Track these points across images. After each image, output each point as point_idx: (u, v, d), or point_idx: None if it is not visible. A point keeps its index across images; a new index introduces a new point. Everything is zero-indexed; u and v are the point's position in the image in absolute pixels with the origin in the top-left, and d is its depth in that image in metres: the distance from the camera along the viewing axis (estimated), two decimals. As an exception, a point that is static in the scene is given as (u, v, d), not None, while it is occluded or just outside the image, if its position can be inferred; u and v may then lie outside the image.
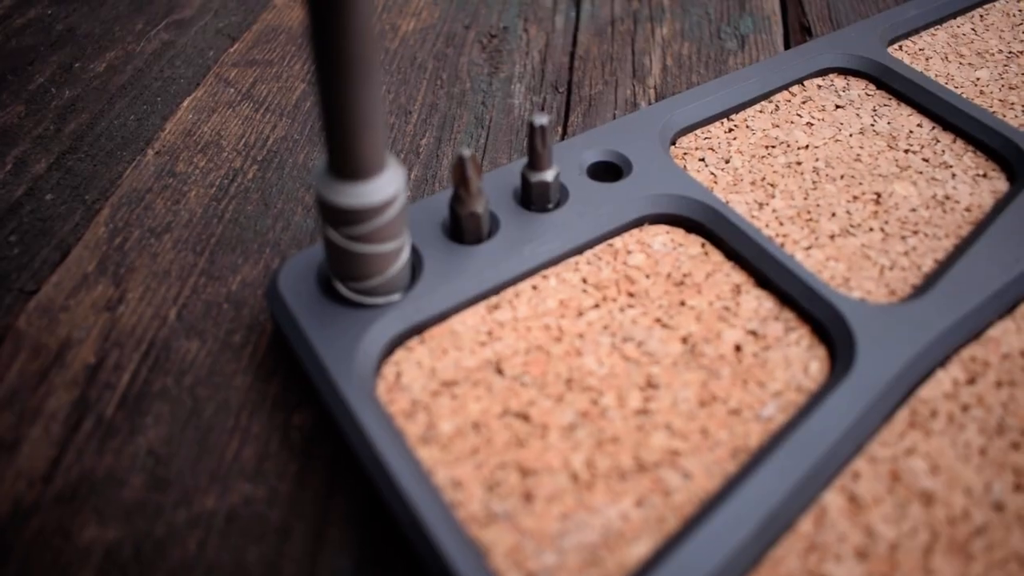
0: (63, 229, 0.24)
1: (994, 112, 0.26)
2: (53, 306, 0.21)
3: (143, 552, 0.17)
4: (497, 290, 0.20)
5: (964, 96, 0.27)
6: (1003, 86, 0.28)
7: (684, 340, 0.19)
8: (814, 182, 0.23)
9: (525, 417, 0.17)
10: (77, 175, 0.25)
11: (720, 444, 0.17)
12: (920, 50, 0.29)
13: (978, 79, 0.28)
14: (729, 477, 0.16)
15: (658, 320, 0.19)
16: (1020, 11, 0.32)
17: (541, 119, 0.20)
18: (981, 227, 0.22)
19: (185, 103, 0.28)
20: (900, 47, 0.29)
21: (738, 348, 0.19)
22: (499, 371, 0.18)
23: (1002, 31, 0.30)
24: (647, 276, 0.20)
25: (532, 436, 0.17)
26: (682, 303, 0.20)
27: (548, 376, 0.18)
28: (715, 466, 0.17)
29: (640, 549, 0.15)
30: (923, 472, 0.17)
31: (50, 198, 0.24)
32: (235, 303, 0.21)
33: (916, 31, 0.30)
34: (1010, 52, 0.29)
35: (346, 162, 0.17)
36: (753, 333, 0.19)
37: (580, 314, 0.20)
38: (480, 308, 0.20)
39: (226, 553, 0.17)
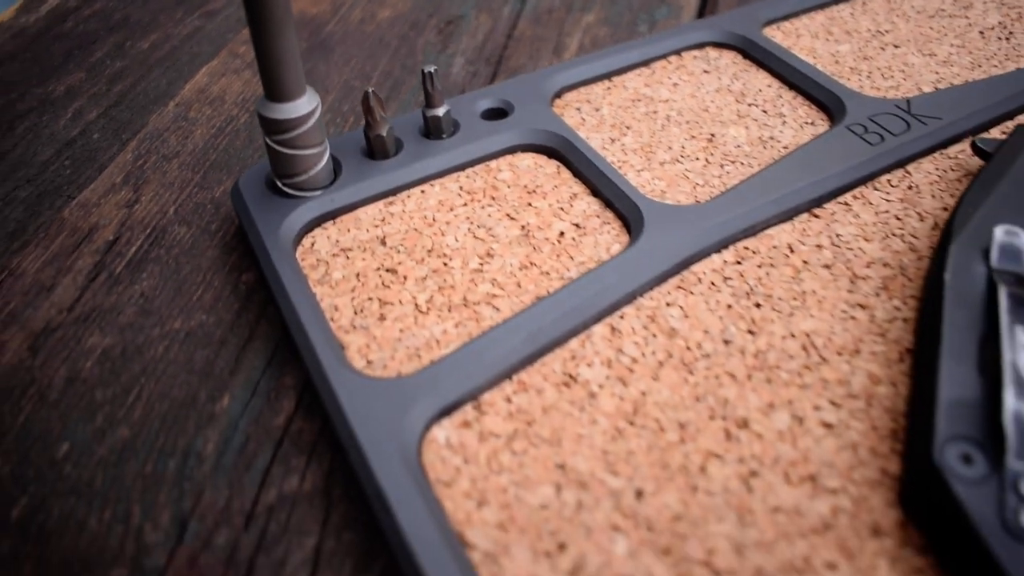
0: (103, 157, 0.32)
1: (839, 77, 0.32)
2: (88, 204, 0.29)
3: (127, 352, 0.24)
4: (394, 192, 0.27)
5: (817, 65, 0.32)
6: (858, 57, 0.33)
7: (523, 228, 0.26)
8: (663, 126, 0.29)
9: (393, 271, 0.24)
10: (118, 121, 0.34)
11: (527, 292, 0.24)
12: (795, 30, 0.35)
13: (837, 52, 0.33)
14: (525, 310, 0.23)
15: (507, 215, 0.26)
16: (901, -1, 0.37)
17: (429, 68, 0.27)
18: (785, 157, 0.28)
19: (203, 70, 0.36)
20: (778, 27, 0.35)
21: (561, 234, 0.25)
22: (383, 243, 0.25)
23: (877, 14, 0.36)
24: (508, 186, 0.27)
25: (394, 283, 0.24)
26: (529, 204, 0.26)
27: (416, 247, 0.25)
28: (519, 305, 0.23)
29: (447, 350, 0.22)
30: (675, 317, 0.23)
31: (96, 136, 0.33)
32: (216, 205, 0.29)
33: (796, 14, 0.35)
34: (877, 31, 0.35)
35: (273, 88, 0.24)
36: (576, 225, 0.26)
37: (451, 209, 0.26)
38: (380, 204, 0.27)
39: (182, 355, 0.24)
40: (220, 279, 0.26)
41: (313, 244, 0.25)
